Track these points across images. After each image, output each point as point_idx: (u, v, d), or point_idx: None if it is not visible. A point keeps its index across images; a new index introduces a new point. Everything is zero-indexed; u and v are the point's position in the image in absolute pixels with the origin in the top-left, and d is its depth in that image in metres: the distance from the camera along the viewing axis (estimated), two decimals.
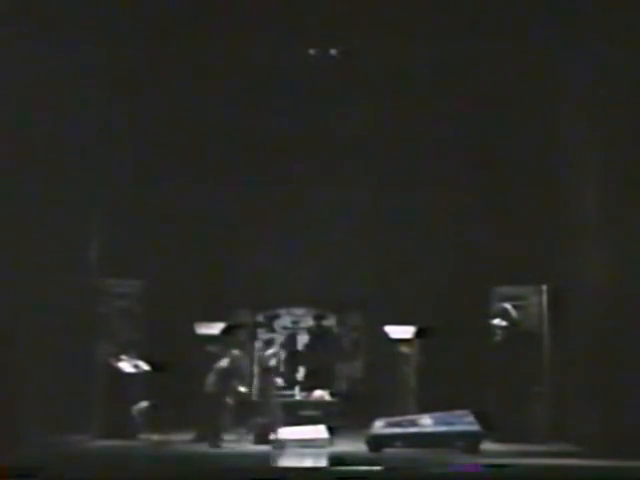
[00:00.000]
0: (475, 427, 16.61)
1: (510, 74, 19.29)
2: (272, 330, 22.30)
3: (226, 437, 18.04)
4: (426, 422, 16.73)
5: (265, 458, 15.66)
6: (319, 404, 18.84)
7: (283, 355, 20.71)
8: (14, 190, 17.55)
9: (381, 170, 21.11)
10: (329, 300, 21.92)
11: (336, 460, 15.22)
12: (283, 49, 19.94)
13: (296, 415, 18.50)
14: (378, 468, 14.10)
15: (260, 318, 22.31)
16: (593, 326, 17.47)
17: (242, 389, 18.87)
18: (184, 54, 19.85)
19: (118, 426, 18.19)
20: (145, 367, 18.14)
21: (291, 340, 21.95)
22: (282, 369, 20.45)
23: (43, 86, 17.68)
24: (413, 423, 17.03)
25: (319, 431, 17.51)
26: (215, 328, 18.99)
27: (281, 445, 17.17)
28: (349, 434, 17.96)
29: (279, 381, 19.45)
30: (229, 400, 18.56)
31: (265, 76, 20.30)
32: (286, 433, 17.54)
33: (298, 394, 19.49)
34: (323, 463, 15.20)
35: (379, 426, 17.15)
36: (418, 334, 18.85)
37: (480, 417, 16.66)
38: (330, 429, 17.53)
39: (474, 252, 20.10)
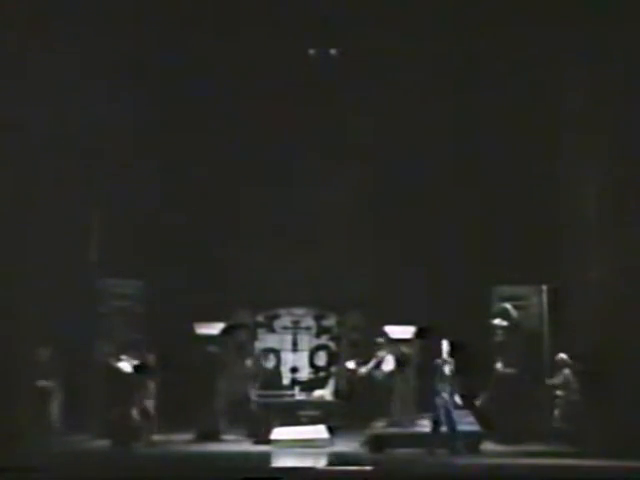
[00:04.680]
0: (475, 427, 16.61)
1: (510, 73, 19.33)
2: (272, 330, 22.29)
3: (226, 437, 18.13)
4: (426, 422, 16.70)
5: (265, 458, 15.66)
6: (319, 404, 18.83)
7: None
8: (14, 190, 17.59)
9: (381, 170, 21.11)
10: (329, 300, 21.91)
11: (336, 460, 15.22)
12: (283, 49, 19.99)
13: (296, 415, 18.50)
14: (378, 468, 14.10)
15: (260, 318, 22.30)
16: (593, 326, 17.48)
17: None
18: (183, 53, 19.91)
19: (118, 426, 18.16)
20: (145, 367, 18.13)
21: None
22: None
23: (42, 83, 17.73)
24: (413, 423, 17.02)
25: (319, 431, 17.50)
26: (215, 328, 19.02)
27: (281, 445, 17.16)
28: (349, 434, 17.94)
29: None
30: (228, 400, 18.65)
31: (265, 76, 20.35)
32: (286, 433, 17.54)
33: (298, 394, 19.48)
34: (323, 463, 15.19)
35: (379, 426, 17.15)
36: (418, 334, 18.84)
37: (481, 417, 16.68)
38: (330, 429, 17.52)
39: (474, 252, 20.07)
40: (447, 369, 16.40)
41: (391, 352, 18.49)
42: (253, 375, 19.87)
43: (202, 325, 18.95)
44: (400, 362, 18.21)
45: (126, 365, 18.04)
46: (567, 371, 17.76)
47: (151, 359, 18.13)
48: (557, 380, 17.85)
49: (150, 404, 17.94)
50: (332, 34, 20.12)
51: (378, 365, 18.49)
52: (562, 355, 17.89)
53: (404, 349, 18.51)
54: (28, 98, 17.46)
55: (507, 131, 19.63)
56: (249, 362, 20.16)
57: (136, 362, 17.89)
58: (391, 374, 18.20)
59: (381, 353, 18.66)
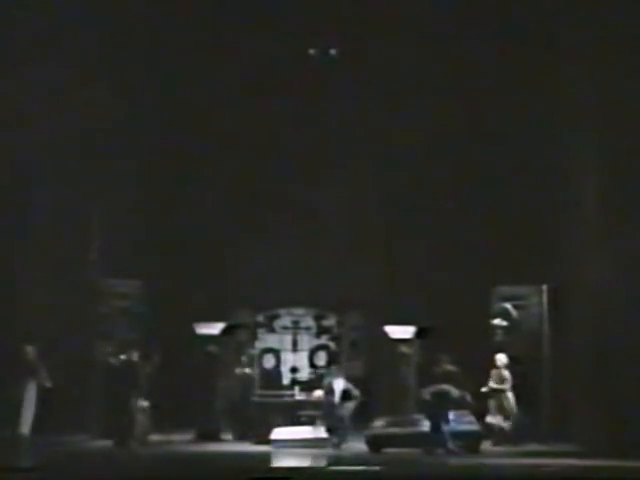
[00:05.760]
0: (475, 427, 16.60)
1: (510, 72, 19.34)
2: (272, 330, 22.29)
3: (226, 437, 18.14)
4: (426, 422, 16.68)
5: (265, 458, 15.66)
6: (319, 404, 18.81)
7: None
8: (15, 191, 17.62)
9: (381, 170, 21.11)
10: (329, 300, 21.91)
11: (336, 460, 15.22)
12: (283, 49, 20.01)
13: (296, 415, 18.50)
14: (378, 468, 14.10)
15: (260, 318, 22.30)
16: (593, 326, 17.48)
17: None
18: (184, 54, 19.92)
19: (118, 426, 18.16)
20: (144, 366, 18.13)
21: None
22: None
23: (43, 84, 17.77)
24: (413, 423, 17.02)
25: (319, 431, 17.49)
26: (215, 328, 19.02)
27: (281, 445, 17.17)
28: (349, 434, 17.91)
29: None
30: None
31: (265, 76, 20.37)
32: (286, 433, 17.54)
33: (298, 394, 19.48)
34: (323, 463, 15.19)
35: (379, 426, 17.15)
36: (418, 334, 18.84)
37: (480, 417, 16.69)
38: (330, 429, 17.50)
39: (474, 252, 20.07)
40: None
41: (335, 376, 18.04)
42: (253, 375, 19.89)
43: (202, 325, 18.95)
44: (347, 389, 17.56)
45: (126, 365, 18.04)
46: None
47: (151, 359, 18.12)
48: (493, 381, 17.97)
49: (150, 404, 17.93)
50: (332, 34, 20.15)
51: (330, 393, 17.77)
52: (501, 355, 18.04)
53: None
54: (30, 95, 17.53)
55: (508, 131, 19.65)
56: (249, 362, 20.16)
57: (136, 362, 17.89)
58: (344, 396, 17.66)
59: (326, 380, 18.17)
